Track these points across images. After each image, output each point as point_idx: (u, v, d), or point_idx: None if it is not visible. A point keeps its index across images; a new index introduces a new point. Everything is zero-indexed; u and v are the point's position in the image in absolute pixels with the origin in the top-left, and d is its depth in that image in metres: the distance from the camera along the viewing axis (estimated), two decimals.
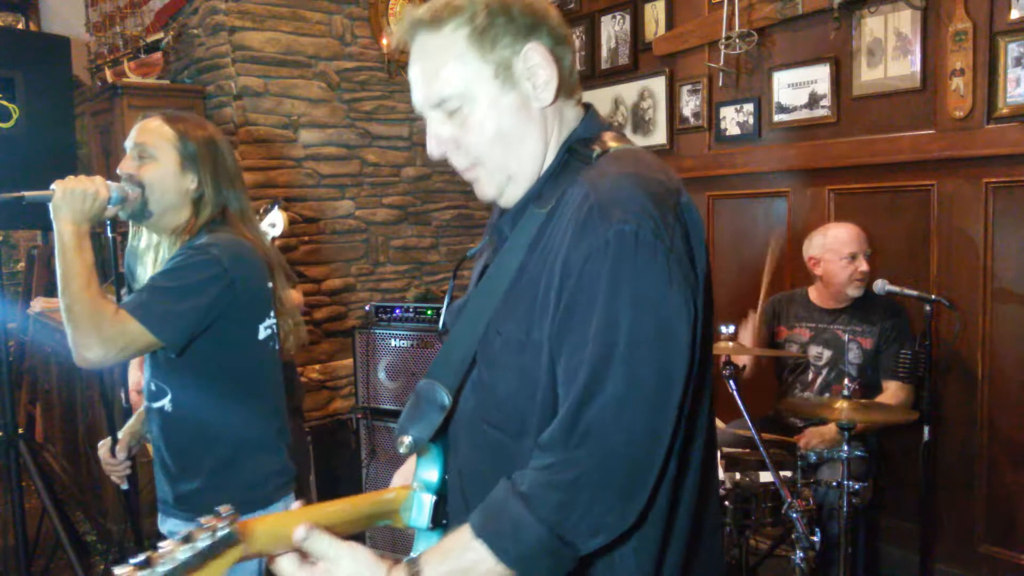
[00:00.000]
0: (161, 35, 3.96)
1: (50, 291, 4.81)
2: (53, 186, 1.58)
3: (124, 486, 2.02)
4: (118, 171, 1.72)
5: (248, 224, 1.79)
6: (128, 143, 1.74)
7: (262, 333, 1.75)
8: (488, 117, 1.02)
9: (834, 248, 2.83)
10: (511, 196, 1.07)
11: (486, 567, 0.90)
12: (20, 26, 5.40)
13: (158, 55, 3.89)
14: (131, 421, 2.01)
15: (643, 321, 0.90)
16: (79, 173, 1.66)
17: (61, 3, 5.31)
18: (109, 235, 2.47)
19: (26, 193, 1.63)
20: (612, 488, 0.90)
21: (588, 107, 1.12)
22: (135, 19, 4.07)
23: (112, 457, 1.94)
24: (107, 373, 3.05)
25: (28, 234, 5.58)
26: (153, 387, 1.76)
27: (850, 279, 2.80)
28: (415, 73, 1.05)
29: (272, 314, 1.78)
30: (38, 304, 4.24)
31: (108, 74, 3.95)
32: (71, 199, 1.56)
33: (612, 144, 1.05)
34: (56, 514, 2.63)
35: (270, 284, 1.77)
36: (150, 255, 1.81)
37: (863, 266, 2.79)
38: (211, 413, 1.71)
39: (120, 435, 1.97)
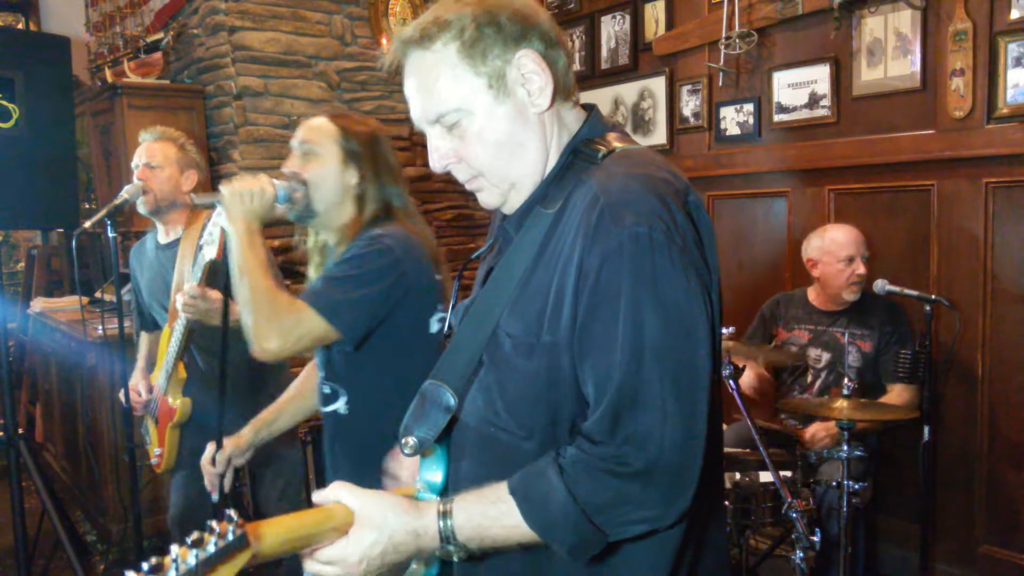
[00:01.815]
0: (161, 35, 3.96)
1: (50, 291, 4.81)
2: (221, 188, 1.62)
3: (214, 496, 1.92)
4: (283, 169, 1.74)
5: (412, 219, 1.80)
6: (293, 142, 1.77)
7: (434, 326, 1.74)
8: (486, 129, 1.02)
9: (831, 250, 2.81)
10: (514, 203, 1.08)
11: (512, 522, 0.94)
12: (20, 26, 5.40)
13: (158, 55, 3.89)
14: (244, 430, 1.91)
15: (669, 322, 0.91)
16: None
17: (61, 3, 5.31)
18: (110, 235, 2.48)
19: (195, 197, 1.69)
20: (655, 489, 0.91)
21: (591, 108, 1.12)
22: (135, 19, 4.07)
23: (212, 465, 1.86)
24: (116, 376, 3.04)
25: (28, 234, 5.58)
26: (327, 390, 1.75)
27: (846, 282, 2.79)
28: (411, 90, 1.05)
29: (442, 307, 1.77)
30: (38, 304, 4.24)
31: (108, 74, 3.95)
32: (239, 199, 1.59)
33: (617, 144, 1.05)
34: (56, 514, 2.63)
35: (438, 277, 1.77)
36: (316, 256, 1.83)
37: (860, 269, 2.78)
38: (388, 411, 1.69)
39: (226, 443, 1.86)
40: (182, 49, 3.98)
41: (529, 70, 1.02)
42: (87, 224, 2.47)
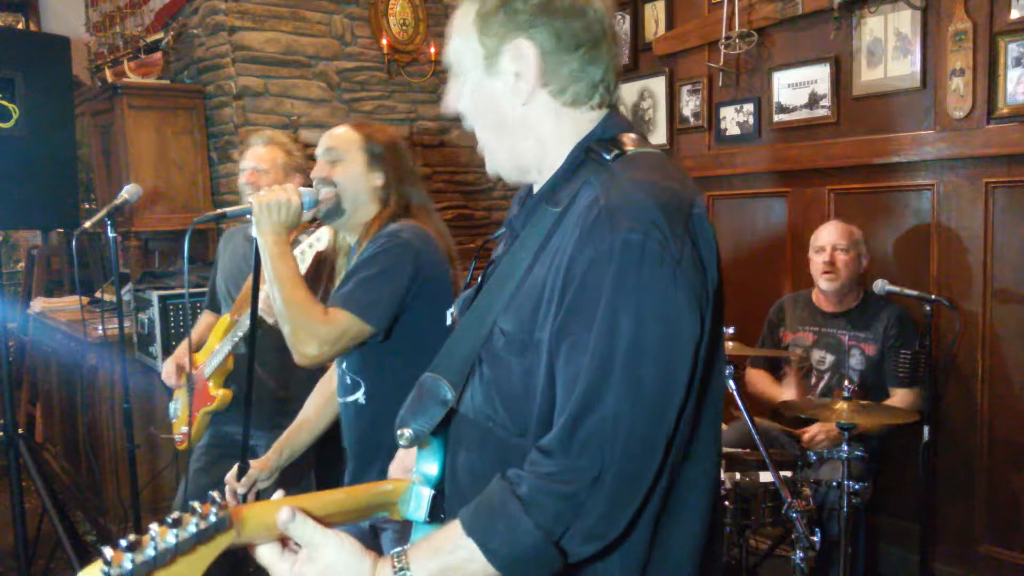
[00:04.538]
0: (161, 35, 3.96)
1: (50, 291, 4.81)
2: (250, 199, 1.68)
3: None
4: (312, 175, 1.83)
5: (430, 216, 1.89)
6: (319, 150, 1.86)
7: (449, 320, 1.79)
8: (474, 94, 1.08)
9: (812, 243, 2.89)
10: (505, 175, 1.12)
11: (475, 567, 0.90)
12: (20, 26, 5.40)
13: (158, 55, 3.89)
14: (269, 454, 1.90)
15: (645, 332, 0.89)
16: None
17: (61, 3, 5.31)
18: (110, 235, 2.49)
19: (227, 210, 1.75)
20: (607, 498, 0.89)
21: (612, 107, 1.10)
22: (135, 19, 4.07)
23: (237, 482, 1.85)
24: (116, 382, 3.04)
25: (28, 234, 5.58)
26: (348, 381, 1.81)
27: (818, 272, 2.83)
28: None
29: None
30: (38, 304, 4.24)
31: (108, 74, 3.95)
32: (268, 211, 1.65)
33: (630, 147, 1.03)
34: (56, 514, 2.63)
35: (452, 272, 1.84)
36: (343, 258, 1.92)
37: (826, 257, 2.81)
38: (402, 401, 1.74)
39: (253, 463, 1.86)
40: (182, 49, 3.98)
41: (517, 60, 1.02)
42: (87, 224, 2.48)
